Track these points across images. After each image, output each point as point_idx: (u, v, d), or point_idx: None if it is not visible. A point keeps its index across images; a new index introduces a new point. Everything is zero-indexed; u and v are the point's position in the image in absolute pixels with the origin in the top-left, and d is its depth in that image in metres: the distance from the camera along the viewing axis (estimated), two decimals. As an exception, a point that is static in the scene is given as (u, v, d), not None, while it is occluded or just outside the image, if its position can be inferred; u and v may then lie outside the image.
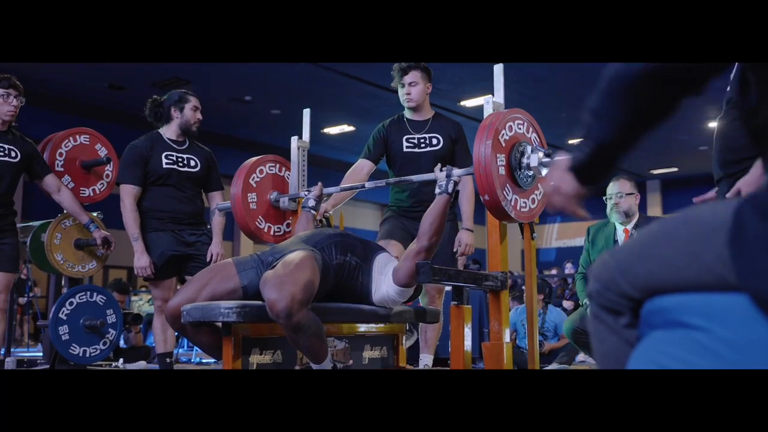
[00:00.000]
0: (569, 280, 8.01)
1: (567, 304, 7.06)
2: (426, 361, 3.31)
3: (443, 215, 2.45)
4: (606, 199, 3.68)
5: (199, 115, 3.64)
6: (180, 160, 3.60)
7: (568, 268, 9.32)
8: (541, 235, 16.97)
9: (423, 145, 3.26)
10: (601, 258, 1.02)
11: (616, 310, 0.99)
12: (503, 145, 2.42)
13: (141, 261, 3.48)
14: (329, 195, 3.11)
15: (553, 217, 17.20)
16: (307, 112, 3.52)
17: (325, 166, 11.74)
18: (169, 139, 3.62)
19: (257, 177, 3.27)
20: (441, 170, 2.57)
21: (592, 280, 1.02)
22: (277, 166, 3.37)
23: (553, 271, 10.82)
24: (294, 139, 3.39)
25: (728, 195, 1.68)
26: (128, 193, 3.51)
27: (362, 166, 3.33)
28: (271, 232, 3.30)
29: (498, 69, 2.72)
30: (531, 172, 2.50)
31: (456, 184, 2.53)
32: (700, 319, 0.86)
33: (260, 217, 3.26)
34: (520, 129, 2.51)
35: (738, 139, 1.76)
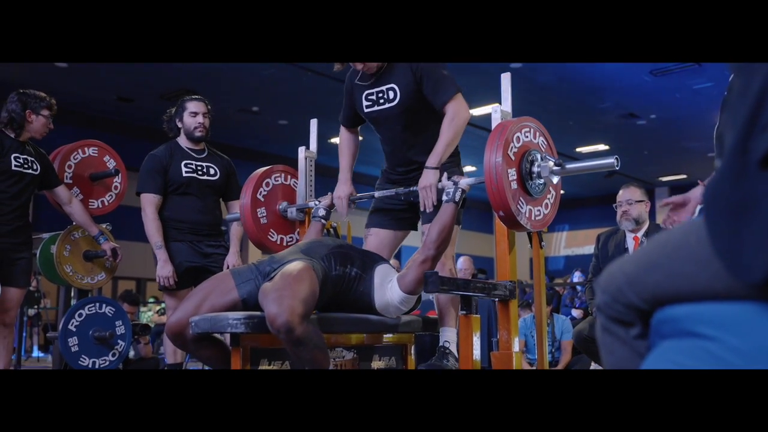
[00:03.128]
0: (579, 288, 7.96)
1: (576, 312, 6.99)
2: (448, 336, 2.73)
3: (450, 224, 2.42)
4: (616, 206, 3.65)
5: (200, 119, 3.57)
6: (200, 168, 3.59)
7: (577, 277, 9.25)
8: (550, 244, 16.90)
9: (382, 101, 2.73)
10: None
11: (626, 322, 0.98)
12: (513, 158, 2.40)
13: (165, 270, 3.43)
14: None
15: (561, 225, 17.15)
16: (314, 122, 3.52)
17: (333, 176, 11.66)
18: (187, 148, 3.61)
19: (264, 191, 3.24)
20: (449, 179, 2.53)
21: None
22: (283, 175, 3.35)
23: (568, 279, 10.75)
24: (301, 150, 3.39)
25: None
26: (149, 202, 3.49)
27: (343, 139, 3.10)
28: (284, 243, 3.27)
29: (506, 77, 2.70)
30: (542, 180, 2.48)
31: (464, 192, 2.50)
32: (710, 329, 0.85)
33: (271, 230, 3.24)
34: (527, 137, 2.49)
35: None
